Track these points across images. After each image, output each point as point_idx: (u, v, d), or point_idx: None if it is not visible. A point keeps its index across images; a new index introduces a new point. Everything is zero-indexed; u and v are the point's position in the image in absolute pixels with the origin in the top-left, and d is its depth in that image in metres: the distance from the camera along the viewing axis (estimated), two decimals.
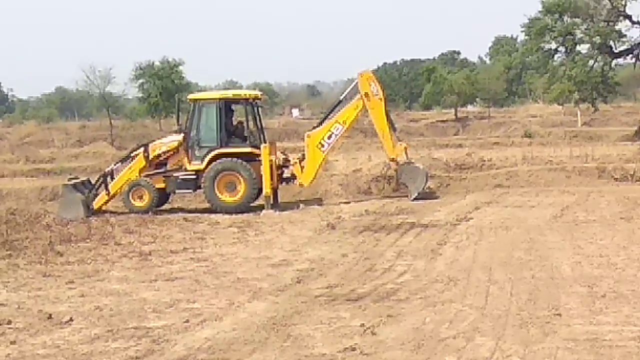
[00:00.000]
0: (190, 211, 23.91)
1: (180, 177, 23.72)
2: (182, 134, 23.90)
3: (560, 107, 63.87)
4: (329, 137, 24.00)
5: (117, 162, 25.17)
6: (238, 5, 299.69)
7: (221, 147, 23.53)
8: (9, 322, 10.74)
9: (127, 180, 23.74)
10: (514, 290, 11.40)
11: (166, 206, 24.68)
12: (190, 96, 25.55)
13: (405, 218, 20.25)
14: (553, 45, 51.98)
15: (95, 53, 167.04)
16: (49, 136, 60.20)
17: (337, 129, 24.05)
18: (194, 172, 23.60)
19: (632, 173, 26.73)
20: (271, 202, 23.52)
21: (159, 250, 16.70)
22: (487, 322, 9.76)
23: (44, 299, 12.33)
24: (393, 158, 24.34)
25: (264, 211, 22.91)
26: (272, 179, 23.50)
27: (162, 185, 23.83)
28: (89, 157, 44.51)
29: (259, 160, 23.39)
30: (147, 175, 23.82)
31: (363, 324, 9.94)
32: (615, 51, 50.25)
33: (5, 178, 35.29)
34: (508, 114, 71.16)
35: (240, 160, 23.35)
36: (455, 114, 70.24)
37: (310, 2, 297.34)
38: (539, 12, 50.81)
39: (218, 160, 23.37)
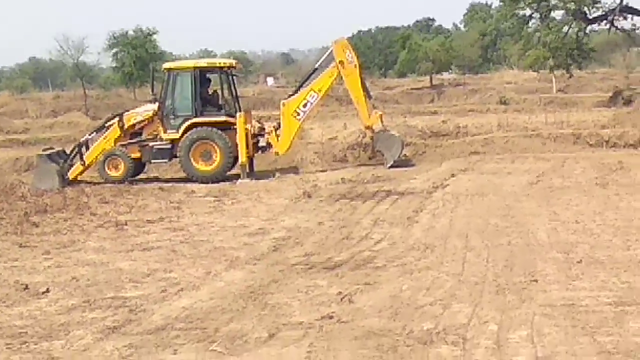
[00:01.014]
0: (166, 180, 23.83)
1: (156, 146, 23.63)
2: (157, 104, 23.79)
3: (535, 73, 63.73)
4: (305, 106, 23.92)
5: (92, 132, 25.08)
6: None
7: (196, 116, 23.44)
8: None
9: (102, 150, 23.66)
10: (490, 257, 11.44)
11: (142, 176, 24.60)
12: (165, 65, 25.39)
13: (381, 186, 20.26)
14: (527, 12, 51.93)
15: (68, 23, 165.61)
16: (22, 106, 59.49)
17: (313, 97, 23.97)
18: (169, 142, 23.53)
19: (607, 139, 26.80)
20: (247, 170, 23.52)
21: (135, 220, 16.62)
22: (463, 289, 9.79)
23: (20, 269, 12.27)
24: (368, 126, 24.32)
25: (239, 180, 22.90)
26: (247, 147, 23.47)
27: (138, 154, 23.75)
28: (63, 127, 44.13)
29: (235, 129, 23.33)
30: (122, 145, 23.73)
31: (340, 291, 9.95)
32: (590, 17, 50.23)
33: None
34: (483, 81, 70.90)
35: (215, 129, 23.29)
36: (431, 81, 69.95)
37: None
38: None
39: (193, 130, 23.30)
